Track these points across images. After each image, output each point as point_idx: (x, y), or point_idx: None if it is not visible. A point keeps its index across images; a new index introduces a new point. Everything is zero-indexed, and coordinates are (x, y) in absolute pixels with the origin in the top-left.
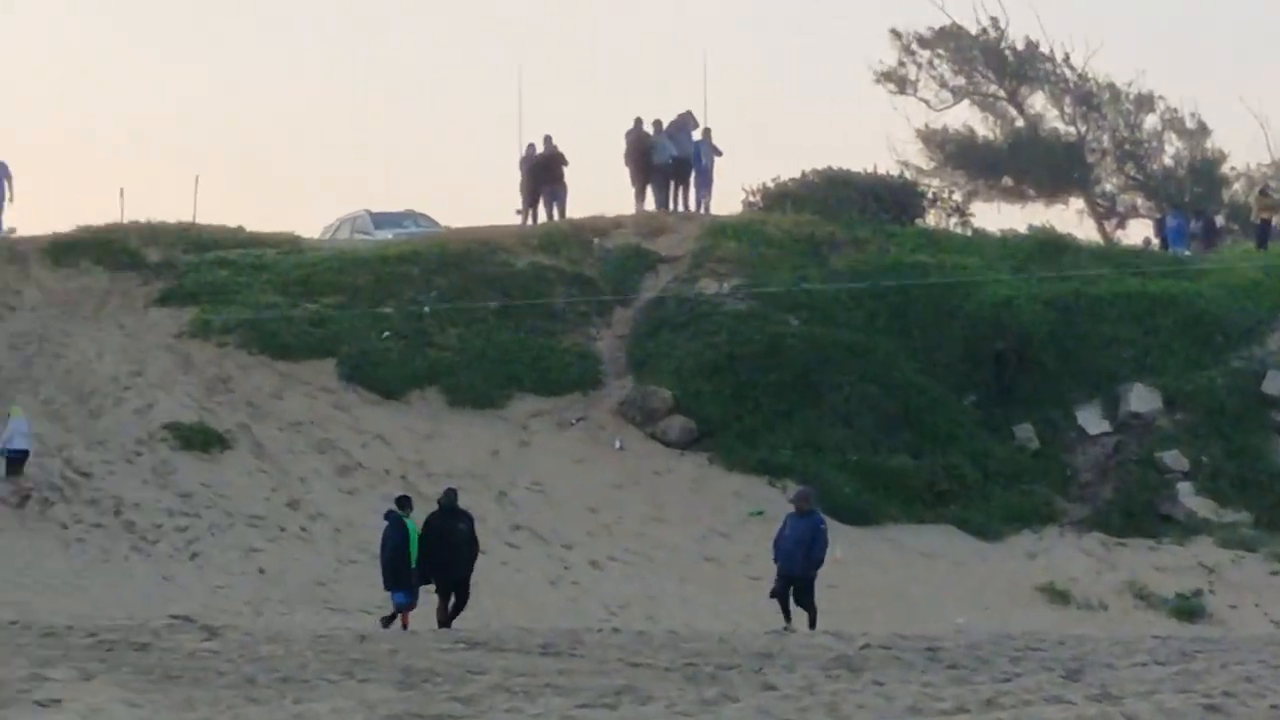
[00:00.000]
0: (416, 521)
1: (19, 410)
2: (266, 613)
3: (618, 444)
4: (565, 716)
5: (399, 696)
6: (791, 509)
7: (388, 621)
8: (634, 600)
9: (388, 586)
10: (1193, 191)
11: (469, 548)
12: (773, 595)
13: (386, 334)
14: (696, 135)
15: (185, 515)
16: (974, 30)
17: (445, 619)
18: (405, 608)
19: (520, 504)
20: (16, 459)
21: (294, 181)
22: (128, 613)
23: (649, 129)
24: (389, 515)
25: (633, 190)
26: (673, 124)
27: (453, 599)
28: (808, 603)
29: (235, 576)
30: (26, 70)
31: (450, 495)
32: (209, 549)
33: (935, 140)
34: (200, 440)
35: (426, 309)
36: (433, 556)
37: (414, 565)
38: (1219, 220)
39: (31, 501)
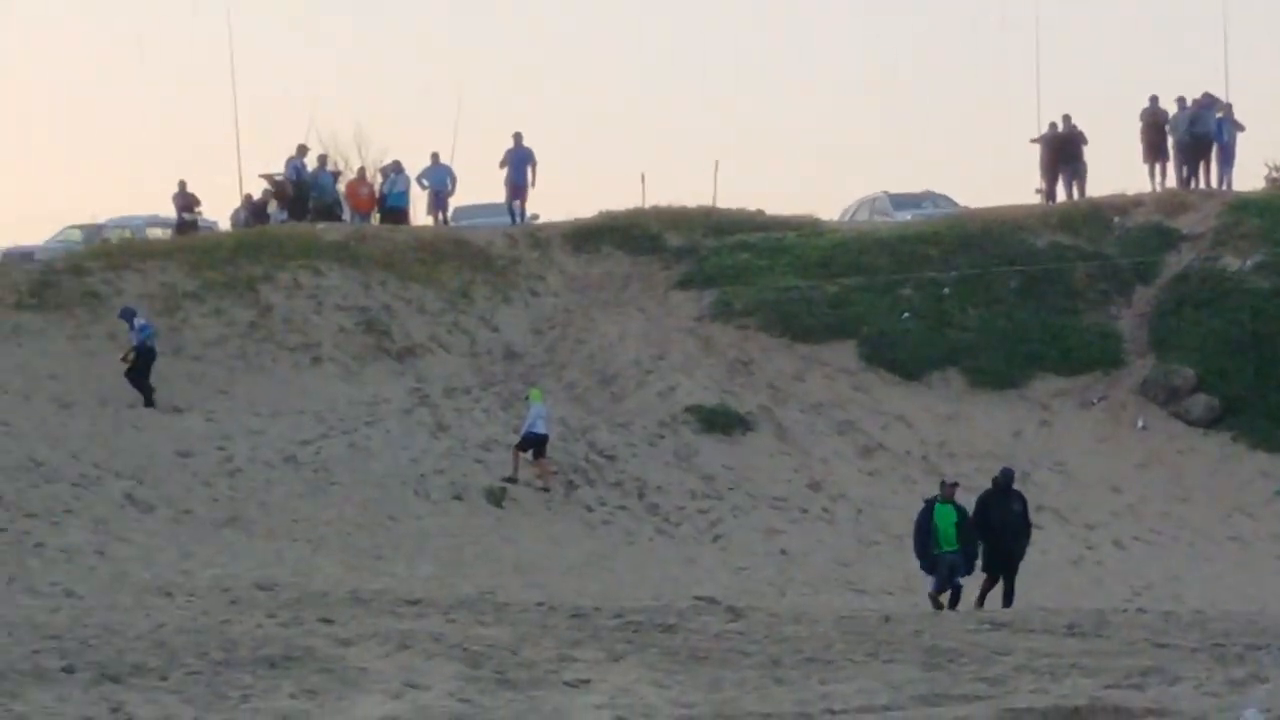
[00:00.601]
0: (962, 504)
1: (539, 394)
2: (790, 594)
3: (1140, 423)
4: (1092, 697)
5: (924, 677)
6: None
7: (938, 604)
8: (1158, 580)
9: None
10: None
11: (1022, 528)
12: None
13: (906, 315)
14: (1218, 114)
15: (708, 497)
16: None
17: (982, 599)
18: (937, 591)
19: (1043, 484)
20: (538, 442)
21: (812, 164)
22: (652, 594)
23: (1166, 106)
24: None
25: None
26: (1194, 102)
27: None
28: None
29: (758, 558)
30: (549, 61)
31: (1006, 474)
32: (732, 530)
33: None
34: (722, 422)
35: (946, 289)
36: (985, 537)
37: (943, 548)
38: None
39: (556, 484)
